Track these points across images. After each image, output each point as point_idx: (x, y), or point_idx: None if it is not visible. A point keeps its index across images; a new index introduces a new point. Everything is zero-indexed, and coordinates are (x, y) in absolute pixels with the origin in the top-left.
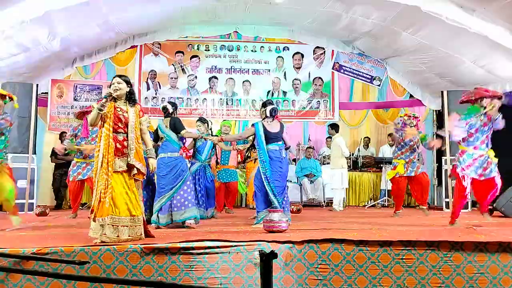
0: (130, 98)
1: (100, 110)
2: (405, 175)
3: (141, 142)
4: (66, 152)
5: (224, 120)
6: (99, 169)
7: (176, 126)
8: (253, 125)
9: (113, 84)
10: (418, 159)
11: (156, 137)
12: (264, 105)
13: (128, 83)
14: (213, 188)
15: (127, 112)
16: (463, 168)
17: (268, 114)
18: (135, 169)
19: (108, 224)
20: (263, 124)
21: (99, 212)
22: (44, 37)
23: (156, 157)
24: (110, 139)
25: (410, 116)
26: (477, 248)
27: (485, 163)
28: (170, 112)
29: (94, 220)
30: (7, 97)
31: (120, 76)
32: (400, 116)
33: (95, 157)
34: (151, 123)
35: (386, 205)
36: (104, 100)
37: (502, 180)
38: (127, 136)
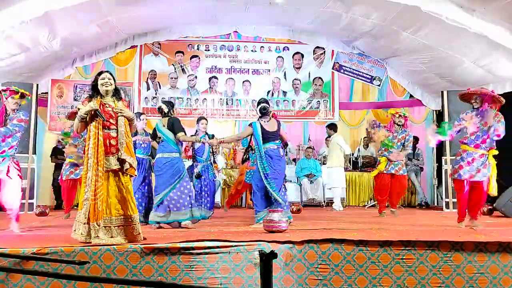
0: (116, 94)
1: (82, 119)
2: (385, 172)
3: (130, 136)
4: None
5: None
6: (88, 170)
7: (174, 127)
8: (250, 124)
9: (103, 79)
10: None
11: (154, 135)
12: (257, 104)
13: (114, 80)
14: (214, 188)
15: (116, 107)
16: (456, 169)
17: (259, 113)
18: (126, 163)
19: (101, 226)
20: (260, 123)
21: (93, 216)
22: (44, 37)
23: (154, 157)
24: (100, 137)
25: (400, 115)
26: (477, 248)
27: (482, 165)
28: (166, 112)
29: (88, 224)
30: (26, 96)
31: (109, 73)
32: (391, 113)
33: (84, 157)
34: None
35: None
36: (83, 111)
37: (503, 181)
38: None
